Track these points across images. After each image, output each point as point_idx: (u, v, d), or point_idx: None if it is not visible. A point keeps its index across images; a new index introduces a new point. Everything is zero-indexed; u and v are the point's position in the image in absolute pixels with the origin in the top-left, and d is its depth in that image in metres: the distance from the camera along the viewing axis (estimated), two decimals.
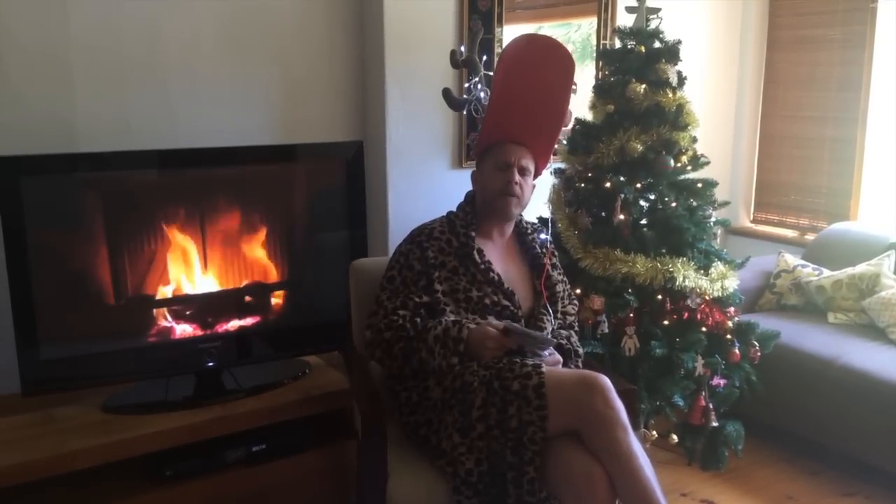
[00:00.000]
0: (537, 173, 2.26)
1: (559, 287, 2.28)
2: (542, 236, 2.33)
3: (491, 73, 2.97)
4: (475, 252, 2.14)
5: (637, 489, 1.75)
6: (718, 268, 2.71)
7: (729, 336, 2.71)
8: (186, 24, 2.76)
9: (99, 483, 2.25)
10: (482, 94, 2.77)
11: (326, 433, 2.54)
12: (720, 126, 4.11)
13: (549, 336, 2.10)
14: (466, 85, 2.89)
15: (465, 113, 3.05)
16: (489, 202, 2.19)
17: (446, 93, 2.77)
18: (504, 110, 2.20)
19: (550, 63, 2.22)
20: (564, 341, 2.18)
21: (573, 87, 2.72)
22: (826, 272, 3.31)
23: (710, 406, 2.65)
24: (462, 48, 2.79)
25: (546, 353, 1.99)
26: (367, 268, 2.37)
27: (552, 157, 2.40)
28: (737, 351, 2.70)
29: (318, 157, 2.72)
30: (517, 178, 2.15)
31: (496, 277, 2.14)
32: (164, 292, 2.47)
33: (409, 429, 2.04)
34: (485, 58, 2.82)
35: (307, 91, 3.05)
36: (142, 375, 2.49)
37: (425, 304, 2.08)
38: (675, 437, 2.74)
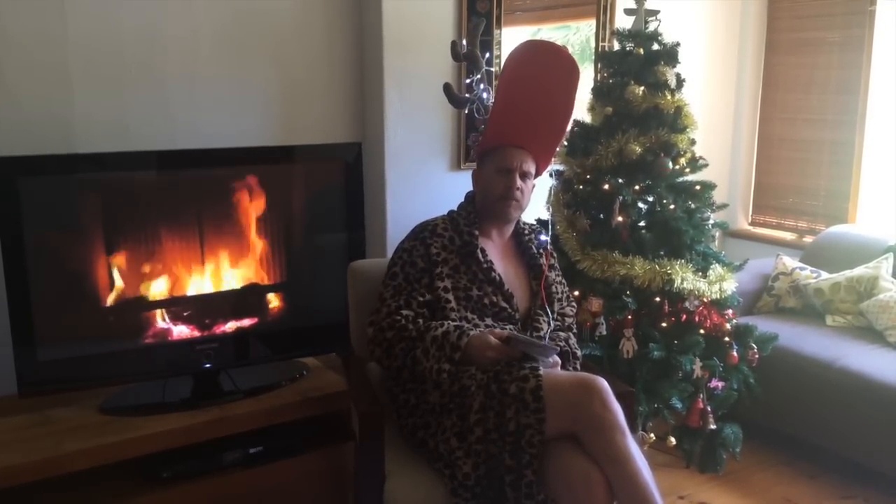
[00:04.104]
0: (537, 174, 2.26)
1: (556, 287, 2.28)
2: (542, 237, 2.33)
3: (492, 69, 2.97)
4: (478, 251, 2.14)
5: (635, 492, 1.75)
6: (717, 270, 2.71)
7: (727, 338, 2.71)
8: (185, 26, 2.75)
9: (96, 485, 2.24)
10: (485, 95, 2.76)
11: (324, 435, 2.54)
12: (719, 128, 4.11)
13: (548, 341, 2.10)
14: (468, 81, 2.87)
15: (466, 112, 3.04)
16: (490, 205, 2.19)
17: (447, 88, 2.76)
18: (507, 115, 2.20)
19: (554, 69, 2.22)
20: (563, 343, 2.18)
21: None
22: (824, 275, 3.31)
23: (709, 408, 2.65)
24: (463, 42, 2.77)
25: (550, 360, 1.99)
26: (366, 269, 2.37)
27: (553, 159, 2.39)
28: (735, 353, 2.70)
29: (316, 159, 2.72)
30: (518, 183, 2.15)
31: (497, 277, 2.14)
32: (162, 294, 2.46)
33: (407, 431, 2.04)
34: (487, 55, 2.81)
35: (306, 92, 3.05)
36: (139, 377, 2.49)
37: (428, 302, 2.08)
38: (672, 439, 2.74)
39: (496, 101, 2.26)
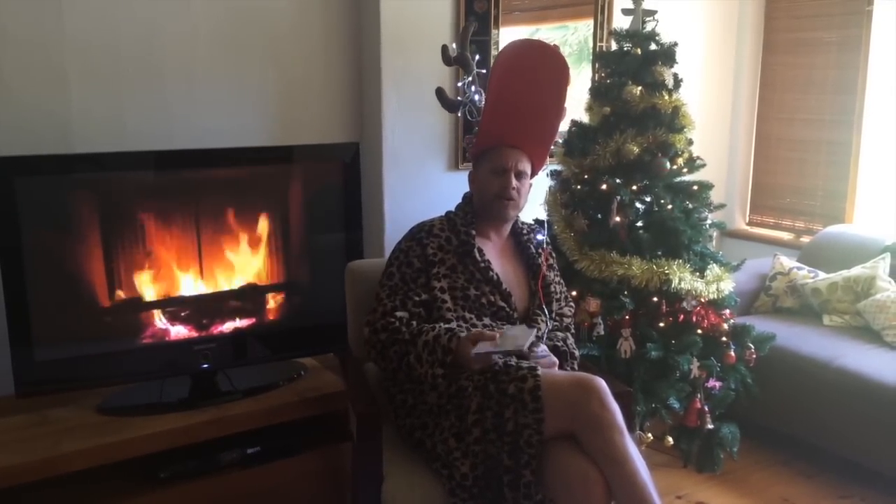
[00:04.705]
0: (533, 173, 2.26)
1: (554, 287, 2.28)
2: (539, 237, 2.32)
3: (485, 72, 2.97)
4: (475, 250, 2.14)
5: (633, 492, 1.75)
6: (714, 270, 2.71)
7: (724, 338, 2.71)
8: (183, 25, 2.75)
9: (93, 485, 2.24)
10: (476, 97, 2.76)
11: (322, 435, 2.54)
12: (716, 128, 4.11)
13: (545, 341, 2.09)
14: (459, 84, 2.88)
15: (459, 115, 3.04)
16: (486, 205, 2.19)
17: (440, 93, 2.76)
18: (500, 115, 2.20)
19: (544, 67, 2.22)
20: (560, 343, 2.18)
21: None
22: (821, 275, 3.32)
23: (706, 408, 2.66)
24: (453, 45, 2.78)
25: (539, 350, 1.98)
26: (363, 269, 2.37)
27: (548, 158, 2.39)
28: (732, 353, 2.70)
29: (314, 159, 2.71)
30: (514, 182, 2.15)
31: (495, 277, 2.14)
32: (159, 294, 2.46)
33: (405, 432, 2.04)
34: (477, 57, 2.81)
35: (304, 92, 3.05)
36: (137, 377, 2.48)
37: (424, 302, 2.08)
38: (670, 439, 2.74)
39: (487, 102, 2.26)
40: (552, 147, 2.36)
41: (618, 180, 2.70)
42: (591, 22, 3.52)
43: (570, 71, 2.27)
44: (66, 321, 2.31)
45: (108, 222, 2.36)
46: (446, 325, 2.02)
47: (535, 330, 2.02)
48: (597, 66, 3.25)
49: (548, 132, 2.27)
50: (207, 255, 2.52)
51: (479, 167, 2.23)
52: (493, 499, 1.82)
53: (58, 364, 2.30)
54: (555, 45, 2.70)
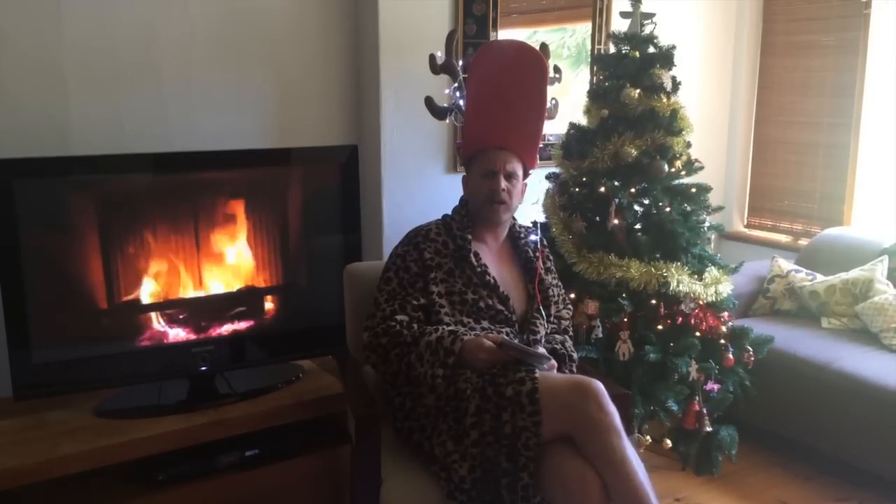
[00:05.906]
0: (526, 173, 2.26)
1: (552, 291, 2.28)
2: (532, 237, 2.32)
3: None
4: (471, 255, 2.14)
5: (631, 494, 1.75)
6: (712, 273, 2.71)
7: (723, 341, 2.71)
8: (181, 27, 2.75)
9: (91, 487, 2.24)
10: (461, 102, 2.76)
11: (320, 438, 2.54)
12: (714, 131, 4.12)
13: (543, 349, 2.09)
14: (447, 91, 2.88)
15: (447, 122, 3.02)
16: (479, 209, 2.19)
17: (428, 101, 2.76)
18: (481, 118, 2.20)
19: (520, 64, 2.22)
20: (559, 346, 2.18)
21: (557, 76, 2.72)
22: (819, 277, 3.32)
23: (704, 411, 2.66)
24: (438, 53, 2.79)
25: (544, 367, 1.99)
26: (362, 271, 2.37)
27: (544, 159, 2.38)
28: (731, 356, 2.70)
29: (312, 161, 2.72)
30: (503, 184, 2.15)
31: (492, 281, 2.14)
32: (158, 296, 2.46)
33: (403, 434, 2.04)
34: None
35: (302, 94, 3.05)
36: (135, 380, 2.48)
37: (422, 306, 2.08)
38: (668, 442, 2.74)
39: (468, 106, 2.26)
40: (550, 149, 2.36)
41: (616, 183, 2.70)
42: (589, 25, 3.53)
43: (549, 64, 2.25)
44: (64, 324, 2.31)
45: (107, 224, 2.36)
46: (449, 328, 2.02)
47: (550, 359, 2.03)
48: (595, 68, 3.26)
49: (532, 129, 2.26)
50: (206, 258, 2.52)
51: (471, 171, 2.23)
52: (491, 501, 1.82)
53: (56, 367, 2.29)
54: (521, 41, 2.67)
